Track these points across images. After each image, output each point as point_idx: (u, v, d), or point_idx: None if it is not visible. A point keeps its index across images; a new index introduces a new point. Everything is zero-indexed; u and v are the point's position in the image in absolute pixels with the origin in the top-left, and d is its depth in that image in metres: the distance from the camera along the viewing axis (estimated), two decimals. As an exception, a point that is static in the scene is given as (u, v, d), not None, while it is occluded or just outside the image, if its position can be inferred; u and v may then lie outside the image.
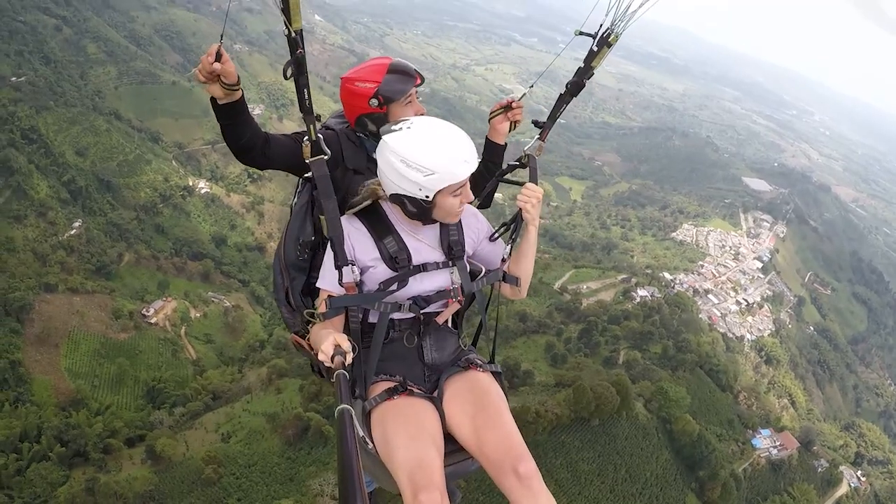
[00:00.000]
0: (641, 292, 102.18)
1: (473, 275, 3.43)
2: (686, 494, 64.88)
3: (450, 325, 3.57)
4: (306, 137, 3.15)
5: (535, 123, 3.87)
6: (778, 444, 79.95)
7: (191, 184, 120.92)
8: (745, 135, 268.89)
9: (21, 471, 57.00)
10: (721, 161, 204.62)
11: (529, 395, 63.50)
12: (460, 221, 3.35)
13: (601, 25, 3.42)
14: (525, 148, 3.77)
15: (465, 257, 3.38)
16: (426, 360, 3.36)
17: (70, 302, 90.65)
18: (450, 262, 3.30)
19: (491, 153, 4.01)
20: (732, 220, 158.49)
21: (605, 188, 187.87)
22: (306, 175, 3.47)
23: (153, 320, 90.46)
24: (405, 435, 2.86)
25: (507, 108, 3.89)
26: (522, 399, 60.12)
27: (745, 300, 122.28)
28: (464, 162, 2.93)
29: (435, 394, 3.24)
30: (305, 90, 2.93)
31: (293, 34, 2.65)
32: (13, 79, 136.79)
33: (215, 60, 2.74)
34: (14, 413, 67.72)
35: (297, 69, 2.79)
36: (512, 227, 3.54)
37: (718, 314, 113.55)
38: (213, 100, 2.98)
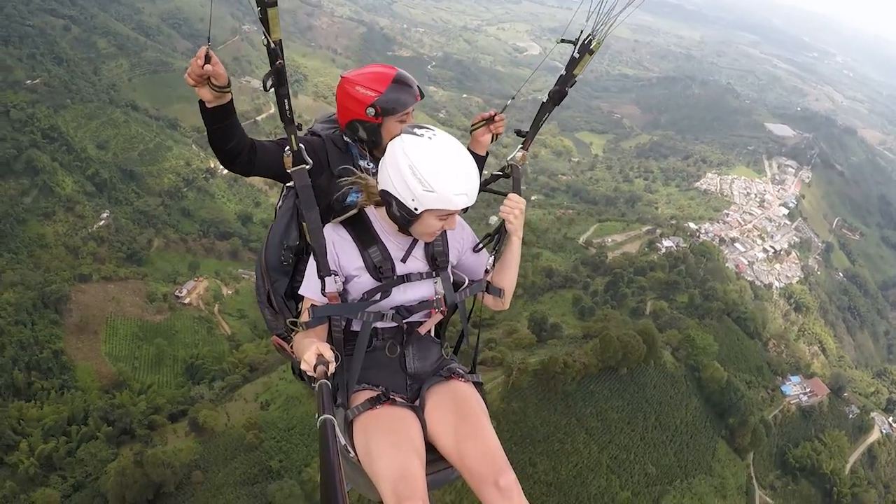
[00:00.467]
0: (666, 243, 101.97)
1: (456, 285, 3.42)
2: (716, 441, 65.40)
3: (432, 334, 3.56)
4: (287, 148, 3.15)
5: (518, 133, 3.85)
6: (808, 390, 79.90)
7: (212, 165, 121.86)
8: (766, 80, 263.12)
9: (71, 452, 59.57)
10: (742, 108, 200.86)
11: (557, 347, 64.18)
12: (445, 232, 3.32)
13: (581, 32, 3.40)
14: (508, 158, 3.76)
15: (448, 268, 3.36)
16: (409, 369, 3.34)
17: (105, 290, 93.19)
18: (434, 273, 3.29)
19: None
20: (756, 167, 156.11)
21: (625, 141, 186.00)
22: (289, 184, 3.43)
23: (186, 300, 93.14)
24: (388, 445, 2.85)
25: (490, 120, 3.91)
26: (550, 351, 60.91)
27: (773, 247, 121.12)
28: (464, 195, 2.91)
29: (417, 403, 3.23)
30: (286, 100, 2.92)
31: (272, 45, 2.63)
32: (28, 82, 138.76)
33: (205, 63, 2.70)
34: (60, 399, 70.50)
35: (278, 80, 2.79)
36: (495, 238, 3.54)
37: (745, 262, 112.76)
38: (201, 104, 2.96)
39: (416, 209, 2.95)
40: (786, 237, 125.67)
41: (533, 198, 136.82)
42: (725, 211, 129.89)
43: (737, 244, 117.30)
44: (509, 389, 56.54)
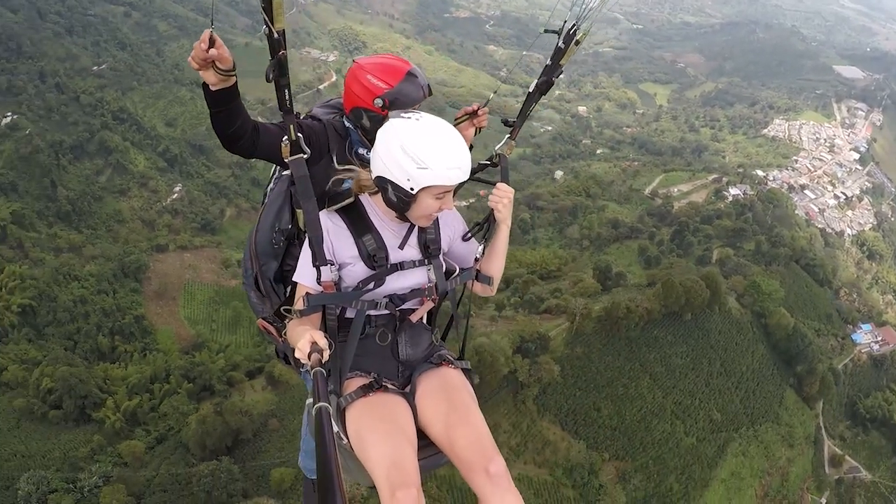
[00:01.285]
0: (733, 191, 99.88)
1: (447, 273, 3.45)
2: (784, 390, 64.54)
3: (424, 321, 3.56)
4: (286, 137, 3.14)
5: (505, 123, 3.91)
6: (880, 339, 77.73)
7: None
8: (833, 20, 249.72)
9: (154, 408, 63.55)
10: (809, 51, 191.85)
11: (621, 294, 64.33)
12: (437, 220, 3.35)
13: (565, 22, 3.46)
14: (496, 147, 3.79)
15: (441, 256, 3.40)
16: (401, 356, 3.37)
17: (182, 258, 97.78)
18: (426, 261, 3.32)
19: None
20: (825, 111, 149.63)
21: (690, 90, 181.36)
22: (284, 172, 3.46)
23: None
24: (380, 432, 2.88)
25: (473, 114, 3.95)
26: (613, 298, 61.05)
27: (844, 194, 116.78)
28: (457, 168, 2.92)
29: (408, 389, 3.27)
30: (286, 90, 2.95)
31: (276, 34, 2.62)
32: (95, 68, 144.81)
33: (209, 47, 2.63)
34: (143, 360, 75.03)
35: (279, 70, 2.80)
36: (485, 226, 3.61)
37: (816, 209, 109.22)
38: (205, 86, 2.91)
39: (412, 189, 2.93)
40: (857, 183, 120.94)
41: (598, 151, 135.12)
42: (794, 157, 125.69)
43: (806, 191, 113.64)
44: (573, 335, 57.32)
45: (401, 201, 3.04)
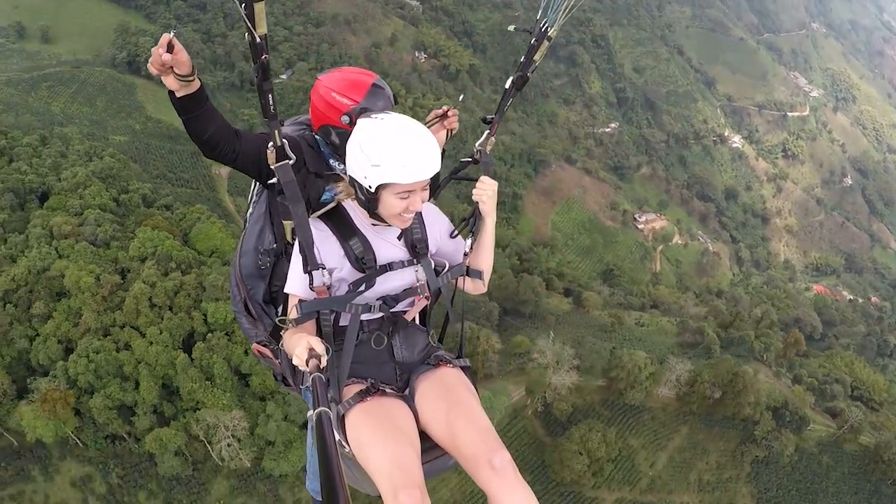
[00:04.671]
0: None
1: (437, 272, 3.37)
2: None
3: (418, 322, 3.56)
4: (271, 143, 3.02)
5: (484, 120, 3.78)
6: None
7: (726, 135, 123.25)
8: None
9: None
10: None
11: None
12: (422, 219, 3.33)
13: (537, 20, 3.46)
14: (477, 144, 3.72)
15: (429, 254, 3.35)
16: (397, 358, 3.31)
17: (580, 178, 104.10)
18: (414, 260, 3.28)
19: None
20: None
21: None
22: (270, 181, 3.26)
23: (640, 226, 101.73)
24: (381, 436, 2.82)
25: (444, 116, 3.86)
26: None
27: None
28: (412, 168, 2.82)
29: (406, 392, 3.21)
30: (270, 95, 2.80)
31: (258, 39, 2.54)
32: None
33: (166, 51, 2.59)
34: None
35: (262, 75, 2.68)
36: (471, 221, 3.49)
37: None
38: (170, 93, 2.85)
39: (370, 187, 2.90)
40: None
41: None
42: None
43: None
44: (832, 442, 56.87)
45: (366, 200, 3.01)
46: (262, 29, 2.51)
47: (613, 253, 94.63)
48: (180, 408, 49.80)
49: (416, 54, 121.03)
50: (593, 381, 62.40)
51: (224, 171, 78.77)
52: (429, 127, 3.72)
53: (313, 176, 3.46)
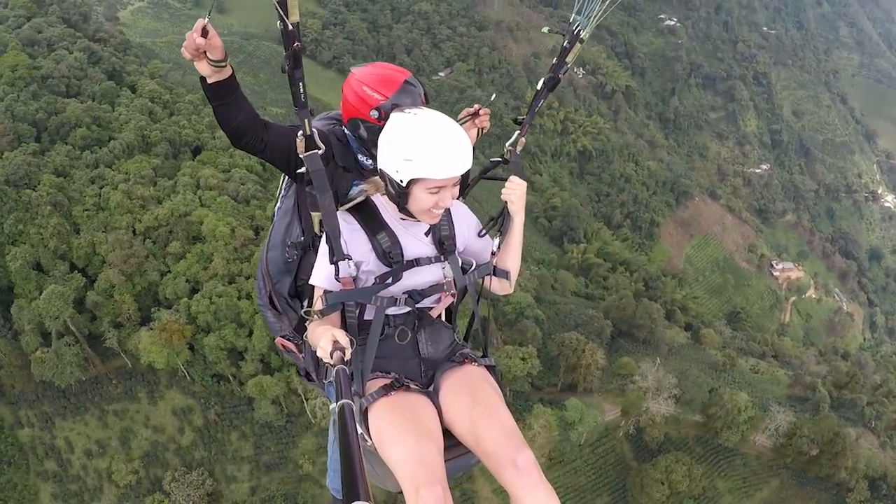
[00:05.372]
0: None
1: (464, 270, 3.42)
2: None
3: (444, 319, 3.61)
4: (300, 132, 3.07)
5: (515, 121, 3.86)
6: None
7: (879, 192, 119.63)
8: None
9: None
10: None
11: None
12: (451, 216, 3.37)
13: (569, 23, 3.57)
14: (507, 144, 3.81)
15: (456, 251, 3.39)
16: (422, 354, 3.37)
17: (722, 215, 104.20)
18: (441, 257, 3.32)
19: None
20: None
21: None
22: (298, 171, 3.29)
23: (775, 273, 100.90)
24: (403, 431, 2.86)
25: (475, 115, 3.93)
26: None
27: None
28: (444, 164, 2.88)
29: (431, 388, 3.26)
30: (301, 84, 2.86)
31: (290, 27, 2.58)
32: (764, 28, 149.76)
33: (200, 36, 2.66)
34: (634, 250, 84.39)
35: (294, 63, 2.74)
36: (499, 220, 3.55)
37: None
38: (202, 79, 2.94)
39: (401, 181, 2.93)
40: None
41: None
42: None
43: None
44: None
45: (396, 194, 3.02)
46: (294, 17, 2.56)
47: (743, 296, 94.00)
48: (286, 361, 49.67)
49: (575, 69, 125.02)
50: (691, 414, 62.15)
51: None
52: (461, 125, 3.73)
53: (341, 170, 3.54)
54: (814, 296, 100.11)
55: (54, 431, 53.18)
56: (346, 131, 3.60)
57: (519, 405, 58.58)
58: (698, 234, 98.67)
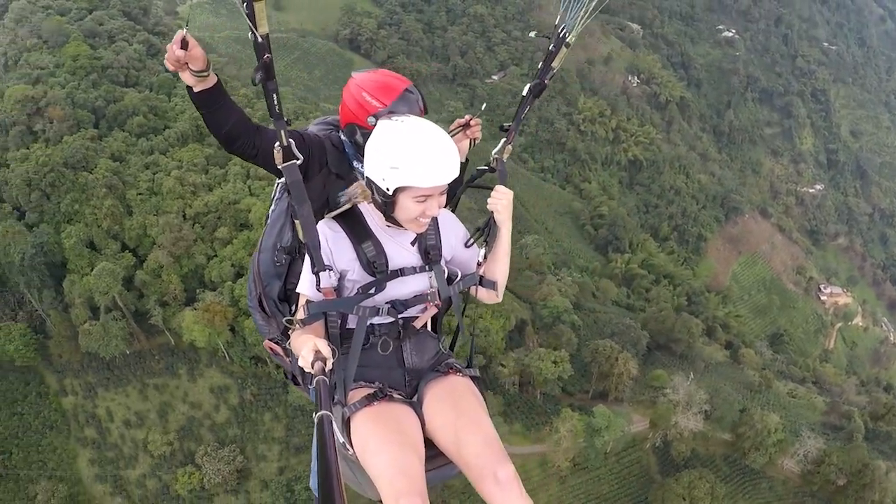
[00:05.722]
0: None
1: (450, 280, 3.40)
2: None
3: (429, 328, 3.55)
4: (277, 143, 3.04)
5: (501, 128, 3.80)
6: None
7: None
8: None
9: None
10: None
11: None
12: (437, 226, 3.36)
13: (556, 26, 3.50)
14: (493, 152, 3.77)
15: (442, 261, 3.36)
16: (407, 363, 3.34)
17: (772, 234, 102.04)
18: (427, 267, 3.29)
19: None
20: None
21: None
22: (282, 181, 3.36)
23: (823, 297, 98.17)
24: (385, 441, 2.84)
25: (466, 125, 3.88)
26: None
27: None
28: (431, 172, 2.84)
29: (414, 398, 3.24)
30: (275, 94, 2.80)
31: (260, 39, 2.55)
32: (825, 43, 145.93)
33: (180, 48, 2.67)
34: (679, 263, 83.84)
35: (266, 74, 2.69)
36: (485, 230, 3.52)
37: None
38: (188, 89, 2.95)
39: (387, 189, 2.91)
40: None
41: None
42: None
43: None
44: None
45: (383, 203, 3.02)
46: (263, 28, 2.54)
47: (788, 318, 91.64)
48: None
49: (629, 77, 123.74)
50: (720, 432, 61.45)
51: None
52: (452, 136, 3.67)
53: (334, 176, 3.53)
54: (861, 324, 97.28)
55: (96, 401, 56.05)
56: (343, 137, 3.62)
57: (548, 408, 58.79)
58: (746, 251, 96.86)
